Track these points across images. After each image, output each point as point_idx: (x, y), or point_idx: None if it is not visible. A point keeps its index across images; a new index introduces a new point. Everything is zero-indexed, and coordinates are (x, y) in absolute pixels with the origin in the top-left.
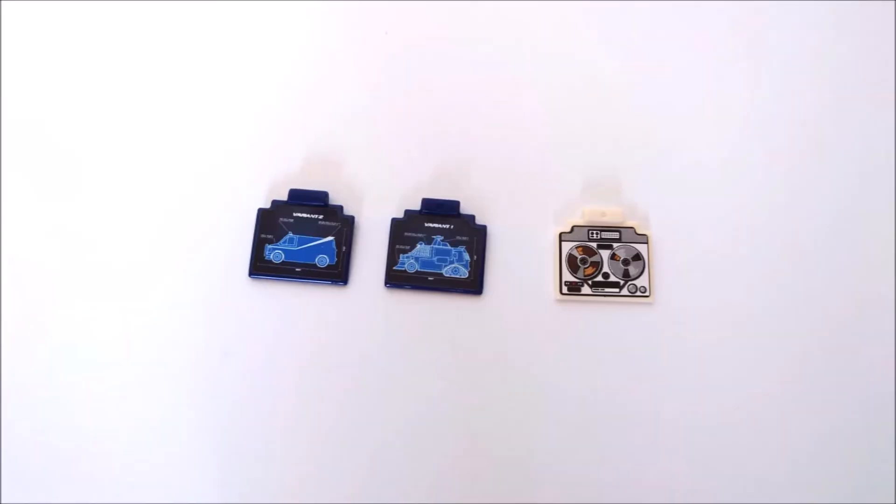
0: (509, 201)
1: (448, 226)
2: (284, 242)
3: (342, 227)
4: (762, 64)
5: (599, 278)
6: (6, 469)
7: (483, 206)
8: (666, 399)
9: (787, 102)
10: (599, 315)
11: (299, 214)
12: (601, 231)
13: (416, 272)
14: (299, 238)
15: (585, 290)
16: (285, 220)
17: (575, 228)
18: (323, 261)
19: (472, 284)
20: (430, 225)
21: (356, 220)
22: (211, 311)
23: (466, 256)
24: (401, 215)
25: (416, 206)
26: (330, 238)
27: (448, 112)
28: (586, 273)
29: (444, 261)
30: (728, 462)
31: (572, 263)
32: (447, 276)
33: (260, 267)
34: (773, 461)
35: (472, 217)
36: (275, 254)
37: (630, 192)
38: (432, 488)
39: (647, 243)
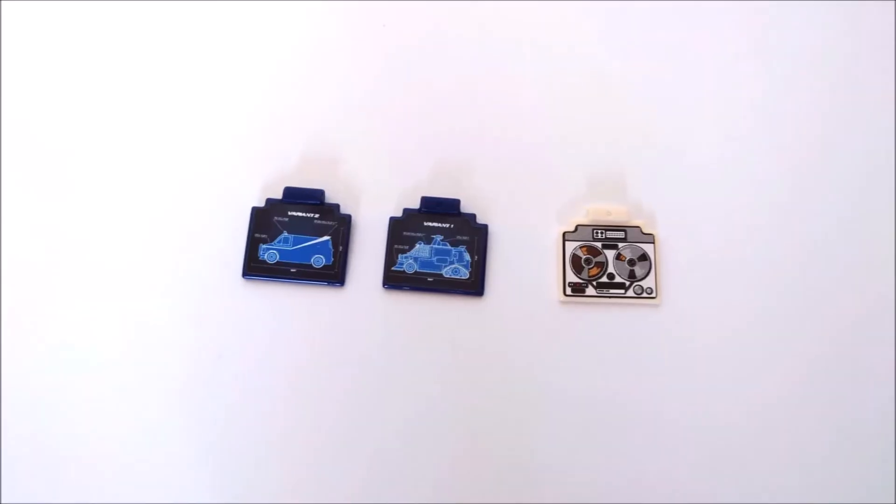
0: (511, 200)
1: (448, 225)
2: (279, 242)
3: (339, 226)
4: (768, 60)
5: (604, 279)
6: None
7: (484, 205)
8: (673, 403)
9: (795, 100)
10: (604, 317)
11: (294, 213)
12: (606, 230)
13: (415, 273)
14: (294, 238)
15: (590, 291)
16: (280, 218)
17: (579, 228)
18: (319, 261)
19: (473, 285)
20: (430, 224)
21: (353, 219)
22: (203, 313)
23: (467, 257)
24: (399, 214)
25: (415, 204)
26: (326, 238)
27: (448, 108)
28: (591, 274)
29: (444, 261)
30: (736, 465)
31: (576, 264)
32: (447, 276)
33: (254, 267)
34: (782, 464)
35: (473, 216)
36: (269, 254)
37: (636, 191)
38: (431, 497)
39: (653, 243)
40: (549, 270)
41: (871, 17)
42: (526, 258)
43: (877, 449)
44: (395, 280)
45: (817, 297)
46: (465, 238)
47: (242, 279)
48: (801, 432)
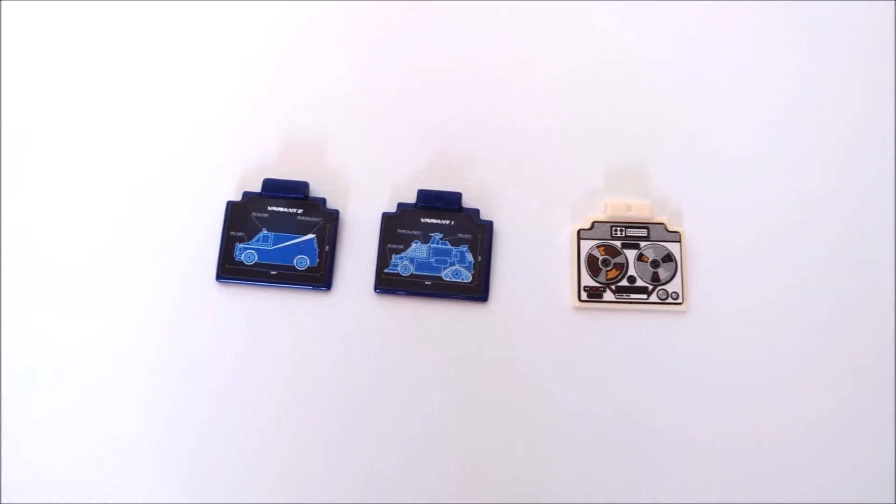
0: (519, 193)
1: (448, 222)
2: (258, 241)
3: (325, 223)
4: (807, 38)
5: (624, 282)
6: None
7: (489, 199)
8: (700, 420)
9: (835, 83)
10: (624, 325)
11: (275, 208)
12: (626, 228)
13: (411, 276)
14: (275, 236)
15: (608, 296)
16: (259, 215)
17: (596, 225)
18: (302, 262)
19: (476, 290)
20: (428, 221)
21: (341, 214)
22: (173, 321)
23: (469, 257)
24: (393, 210)
25: (412, 198)
26: (311, 236)
27: (449, 90)
28: (609, 276)
29: (444, 262)
30: (771, 489)
31: (593, 265)
32: (447, 280)
33: (229, 269)
34: (823, 487)
35: (477, 211)
36: (247, 254)
37: (659, 183)
38: None
39: (679, 242)
40: (563, 273)
41: None
42: (536, 259)
43: None
44: (388, 284)
45: (861, 302)
46: (467, 236)
47: (216, 282)
48: (844, 452)
